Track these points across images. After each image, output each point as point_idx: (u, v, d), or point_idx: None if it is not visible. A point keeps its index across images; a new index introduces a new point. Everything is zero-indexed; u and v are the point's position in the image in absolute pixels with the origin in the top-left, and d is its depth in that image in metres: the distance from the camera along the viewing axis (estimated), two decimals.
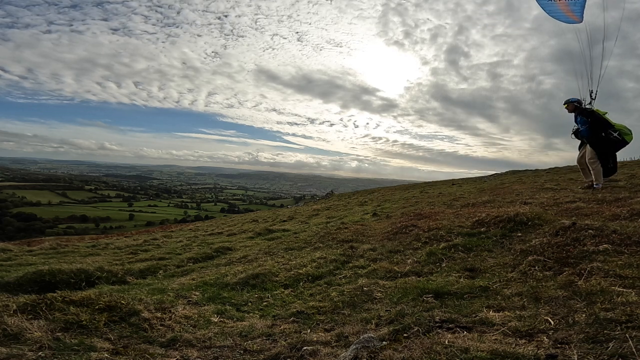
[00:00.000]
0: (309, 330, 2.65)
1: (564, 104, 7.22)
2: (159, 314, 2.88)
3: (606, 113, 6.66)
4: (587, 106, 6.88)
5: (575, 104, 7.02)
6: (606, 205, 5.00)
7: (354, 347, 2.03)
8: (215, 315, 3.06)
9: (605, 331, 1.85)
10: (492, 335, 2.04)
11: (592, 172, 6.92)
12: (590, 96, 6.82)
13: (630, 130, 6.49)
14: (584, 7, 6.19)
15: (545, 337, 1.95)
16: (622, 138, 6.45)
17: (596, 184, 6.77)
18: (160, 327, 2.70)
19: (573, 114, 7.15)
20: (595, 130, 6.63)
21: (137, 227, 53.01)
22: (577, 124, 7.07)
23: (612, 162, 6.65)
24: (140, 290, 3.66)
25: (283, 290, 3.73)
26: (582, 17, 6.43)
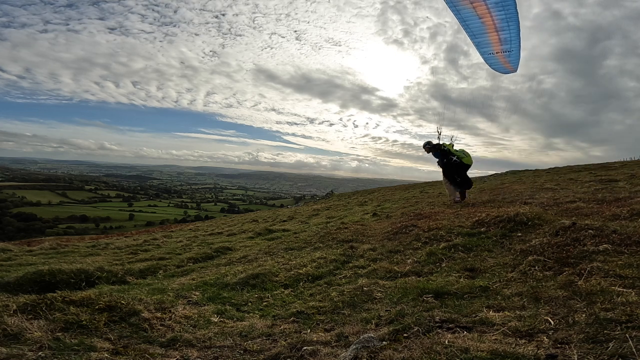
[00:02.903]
0: (309, 330, 2.65)
1: (424, 148, 8.59)
2: (159, 314, 2.88)
3: (453, 146, 8.18)
4: (437, 143, 8.35)
5: (427, 146, 8.41)
6: (606, 205, 5.00)
7: (354, 347, 2.03)
8: (215, 315, 3.06)
9: (605, 331, 1.85)
10: (492, 335, 2.04)
11: (446, 189, 8.61)
12: (437, 131, 8.42)
13: (466, 154, 7.99)
14: (519, 58, 7.34)
15: (545, 337, 1.95)
16: (460, 161, 7.87)
17: (452, 198, 8.39)
18: (160, 327, 2.70)
19: (431, 153, 8.55)
20: (442, 159, 8.19)
21: (137, 227, 53.02)
22: (437, 158, 8.49)
23: (458, 178, 8.07)
24: (140, 290, 3.66)
25: (283, 290, 3.73)
26: (517, 67, 7.62)
